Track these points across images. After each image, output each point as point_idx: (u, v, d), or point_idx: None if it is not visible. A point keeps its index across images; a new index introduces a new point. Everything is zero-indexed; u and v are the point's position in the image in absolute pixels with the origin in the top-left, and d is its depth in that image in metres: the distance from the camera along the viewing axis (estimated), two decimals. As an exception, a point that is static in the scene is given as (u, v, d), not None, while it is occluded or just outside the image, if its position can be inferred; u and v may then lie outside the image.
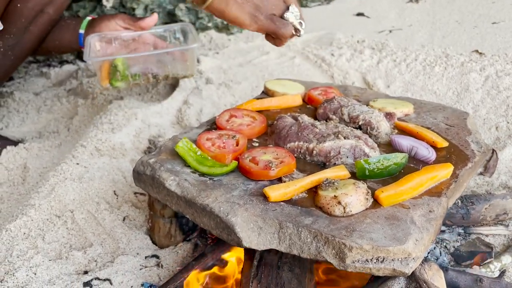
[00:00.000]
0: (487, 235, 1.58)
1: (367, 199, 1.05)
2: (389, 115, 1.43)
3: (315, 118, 1.46)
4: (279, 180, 1.13)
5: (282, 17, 1.38)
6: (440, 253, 1.48)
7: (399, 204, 1.06)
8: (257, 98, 1.60)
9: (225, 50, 2.77)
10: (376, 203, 1.07)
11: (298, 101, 1.58)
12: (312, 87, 1.65)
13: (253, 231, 1.00)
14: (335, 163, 1.20)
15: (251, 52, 2.72)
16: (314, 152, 1.22)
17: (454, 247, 1.54)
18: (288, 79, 1.78)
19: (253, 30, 1.39)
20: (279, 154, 1.19)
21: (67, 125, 2.35)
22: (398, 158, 1.17)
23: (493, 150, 1.94)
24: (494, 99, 2.15)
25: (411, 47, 2.73)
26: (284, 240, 1.00)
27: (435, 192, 1.12)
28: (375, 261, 0.94)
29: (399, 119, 1.49)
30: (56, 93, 2.65)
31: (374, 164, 1.14)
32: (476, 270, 1.42)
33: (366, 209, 1.04)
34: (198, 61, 2.56)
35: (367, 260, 0.94)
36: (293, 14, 1.39)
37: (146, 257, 1.43)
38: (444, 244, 1.55)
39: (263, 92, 1.69)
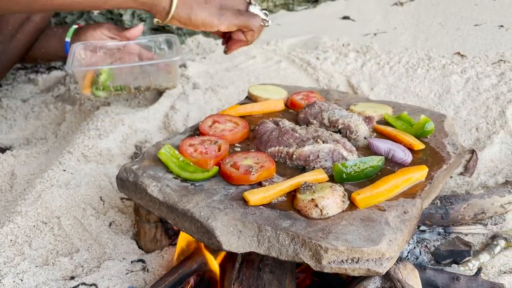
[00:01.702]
0: (466, 234, 1.63)
1: (343, 201, 1.09)
2: (368, 119, 1.47)
3: (297, 123, 1.49)
4: (259, 184, 1.16)
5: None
6: (420, 253, 1.51)
7: (374, 206, 1.10)
8: (241, 103, 1.63)
9: (212, 55, 2.80)
10: (352, 205, 1.10)
11: (280, 106, 1.61)
12: (295, 92, 1.69)
13: (233, 234, 1.03)
14: (314, 167, 1.24)
15: (238, 57, 2.76)
16: (294, 156, 1.25)
17: (434, 246, 1.58)
18: (271, 84, 1.82)
19: (223, 29, 1.40)
20: (259, 159, 1.22)
21: (54, 131, 2.36)
22: (374, 161, 1.21)
23: (473, 151, 1.99)
24: (475, 100, 2.20)
25: (395, 49, 2.78)
26: (263, 243, 1.03)
27: (410, 193, 1.16)
28: (350, 261, 0.97)
29: (378, 122, 1.52)
30: (44, 100, 2.67)
31: (351, 167, 1.18)
32: (454, 268, 1.45)
33: (343, 211, 1.08)
34: (185, 66, 2.60)
35: (342, 261, 0.97)
36: (256, 7, 1.44)
37: (132, 262, 1.45)
38: (425, 243, 1.59)
39: (247, 97, 1.72)
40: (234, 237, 1.03)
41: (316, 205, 1.05)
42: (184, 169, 1.20)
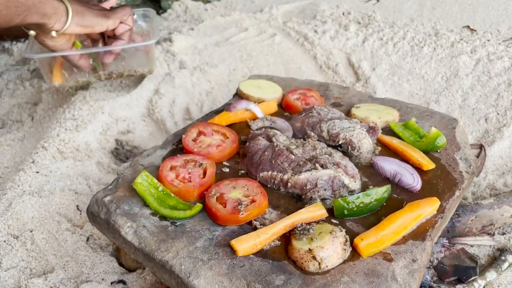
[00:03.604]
0: (472, 246, 1.52)
1: (345, 249, 0.96)
2: (372, 129, 1.32)
3: (292, 133, 1.33)
4: (249, 223, 1.02)
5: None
6: (426, 268, 1.41)
7: (380, 252, 0.97)
8: (230, 104, 1.46)
9: (200, 26, 2.57)
10: (355, 252, 0.97)
11: (274, 108, 1.44)
12: (289, 90, 1.52)
13: (219, 293, 0.90)
14: (311, 197, 1.10)
15: (229, 28, 2.53)
16: (289, 184, 1.11)
17: (437, 259, 1.48)
18: (264, 77, 1.64)
19: (112, 26, 1.61)
20: (250, 190, 1.07)
21: (31, 113, 2.19)
22: (379, 193, 1.07)
23: (481, 146, 1.84)
24: (485, 86, 2.03)
25: (399, 21, 2.56)
26: (253, 302, 0.90)
27: (420, 233, 1.03)
28: (352, 330, 0.86)
29: (383, 129, 1.37)
30: (19, 74, 2.47)
31: (353, 202, 1.04)
32: (459, 290, 1.36)
33: (344, 261, 0.95)
34: (170, 40, 2.38)
35: (343, 329, 0.86)
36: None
37: (112, 283, 1.34)
38: (431, 251, 1.48)
39: (236, 94, 1.55)
40: (219, 296, 0.90)
41: (314, 257, 0.92)
42: (163, 203, 1.05)
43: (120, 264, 1.40)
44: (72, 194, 1.55)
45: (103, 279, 1.35)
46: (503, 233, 1.54)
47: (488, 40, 2.28)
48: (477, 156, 1.83)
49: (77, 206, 1.52)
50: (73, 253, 1.40)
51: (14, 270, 1.35)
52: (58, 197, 1.53)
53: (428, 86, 2.10)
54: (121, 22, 1.65)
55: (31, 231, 1.44)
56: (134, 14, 1.70)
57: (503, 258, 1.45)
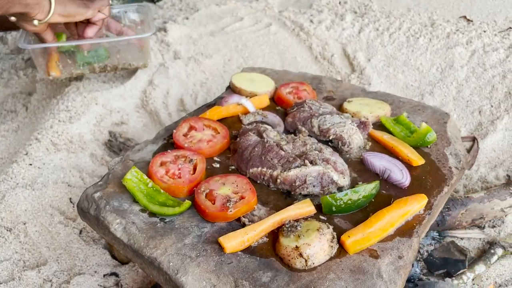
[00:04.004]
0: (462, 238, 1.53)
1: (331, 246, 0.97)
2: (363, 124, 1.32)
3: (285, 128, 1.34)
4: (238, 220, 1.03)
5: None
6: (412, 264, 1.42)
7: (367, 249, 0.98)
8: (222, 98, 1.46)
9: (195, 15, 2.55)
10: (342, 249, 0.98)
11: (266, 102, 1.44)
12: (282, 83, 1.51)
13: (206, 290, 0.92)
14: (300, 193, 1.10)
15: (224, 18, 2.52)
16: (278, 180, 1.11)
17: (427, 251, 1.49)
18: (258, 70, 1.64)
19: (91, 15, 1.64)
20: (239, 186, 1.08)
21: (25, 103, 2.18)
22: (367, 190, 1.07)
23: (474, 138, 1.85)
24: (479, 78, 2.03)
25: (395, 11, 2.54)
26: (240, 298, 0.92)
27: (407, 230, 1.04)
28: (336, 326, 0.87)
29: (374, 124, 1.37)
30: (13, 64, 2.46)
31: (341, 199, 1.04)
32: (448, 283, 1.37)
33: (331, 258, 0.96)
34: (165, 30, 2.36)
35: (328, 326, 0.87)
36: None
37: (104, 276, 1.35)
38: (418, 248, 1.49)
39: (229, 87, 1.55)
40: (207, 292, 0.92)
41: (301, 254, 0.93)
42: (153, 199, 1.06)
43: (113, 256, 1.42)
44: (65, 186, 1.55)
45: (95, 272, 1.36)
46: (493, 226, 1.56)
47: (484, 31, 2.27)
48: (470, 149, 1.84)
49: (70, 199, 1.53)
50: (66, 246, 1.41)
51: (7, 262, 1.37)
52: (51, 189, 1.53)
53: (423, 77, 2.10)
54: (99, 11, 1.69)
55: (24, 224, 1.45)
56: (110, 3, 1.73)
57: (492, 251, 1.46)
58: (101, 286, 1.33)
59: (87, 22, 1.72)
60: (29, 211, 1.47)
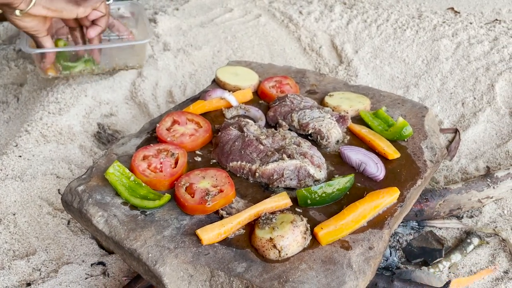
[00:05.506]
0: (440, 228, 1.58)
1: (305, 238, 1.01)
2: (342, 119, 1.35)
3: (266, 123, 1.37)
4: (216, 212, 1.07)
5: None
6: (390, 253, 1.47)
7: (339, 241, 1.02)
8: (206, 92, 1.49)
9: (185, 6, 2.57)
10: (315, 240, 1.03)
11: (249, 96, 1.48)
12: (266, 77, 1.54)
13: (183, 279, 0.96)
14: (278, 186, 1.14)
15: (214, 9, 2.54)
16: (257, 174, 1.15)
17: (406, 241, 1.54)
18: (243, 64, 1.67)
19: (83, 13, 1.62)
20: (218, 180, 1.11)
21: (16, 94, 2.21)
22: (341, 183, 1.11)
23: (456, 130, 1.89)
24: (464, 70, 2.06)
25: (384, 2, 2.56)
26: (215, 288, 0.96)
27: (378, 222, 1.08)
28: (306, 314, 0.92)
29: (354, 118, 1.41)
30: (5, 54, 2.48)
31: (316, 193, 1.08)
32: (424, 271, 1.42)
33: (304, 249, 1.00)
34: (155, 21, 2.39)
35: (298, 314, 0.92)
36: None
37: (92, 265, 1.40)
38: (397, 238, 1.54)
39: (214, 81, 1.58)
40: (184, 282, 0.96)
41: (275, 246, 0.97)
42: (134, 193, 1.10)
43: (100, 246, 1.46)
44: (54, 178, 1.59)
45: (83, 261, 1.41)
46: (471, 216, 1.60)
47: (471, 23, 2.29)
48: (452, 141, 1.88)
49: (59, 190, 1.57)
50: (54, 236, 1.46)
51: (-3, 252, 1.41)
52: (40, 181, 1.57)
53: (408, 69, 2.13)
54: (94, 9, 1.67)
55: (14, 215, 1.49)
56: (108, 1, 1.73)
57: (468, 240, 1.51)
58: (88, 275, 1.37)
59: (91, 23, 1.73)
60: (19, 202, 1.51)
